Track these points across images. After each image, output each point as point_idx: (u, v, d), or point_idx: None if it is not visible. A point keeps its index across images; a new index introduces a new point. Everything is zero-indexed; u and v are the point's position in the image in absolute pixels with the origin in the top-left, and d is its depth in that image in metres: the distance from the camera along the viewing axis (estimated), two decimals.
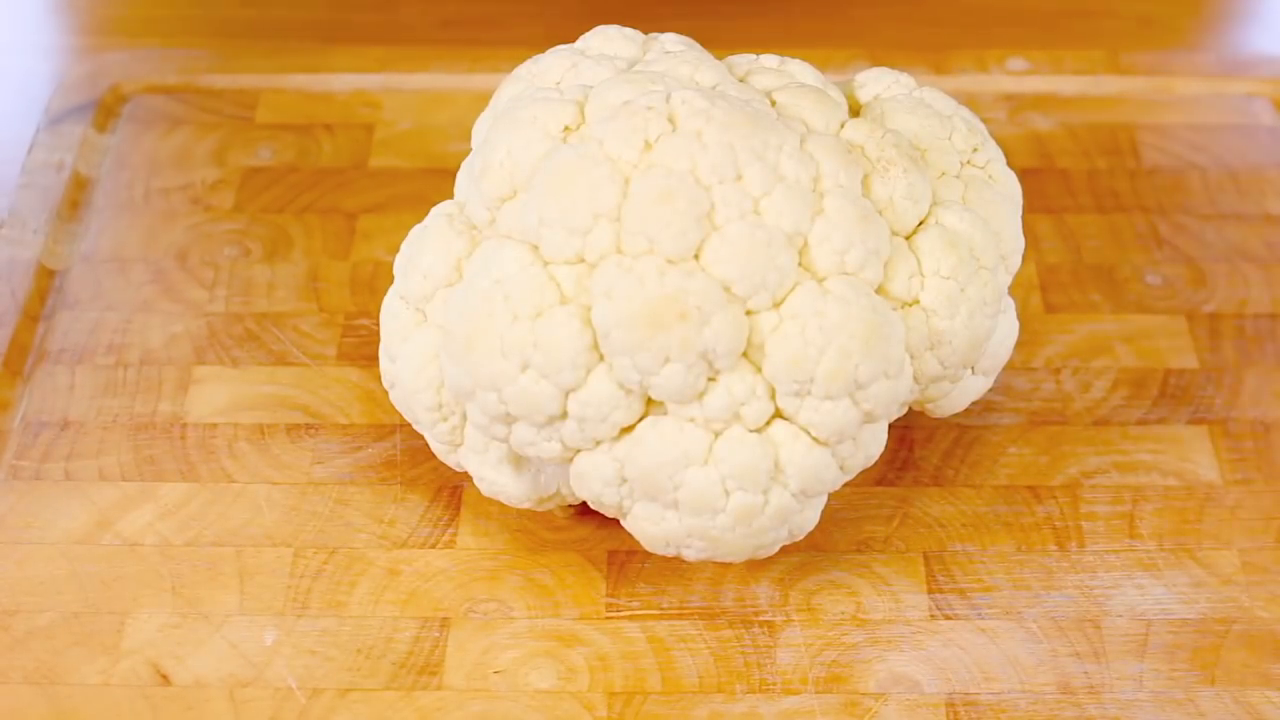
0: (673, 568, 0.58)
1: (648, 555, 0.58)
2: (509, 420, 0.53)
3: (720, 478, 0.51)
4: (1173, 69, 0.75)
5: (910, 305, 0.53)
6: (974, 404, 0.59)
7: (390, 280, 0.56)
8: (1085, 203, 0.71)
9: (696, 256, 0.51)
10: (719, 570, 0.58)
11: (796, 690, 0.55)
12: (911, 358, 0.53)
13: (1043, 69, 0.76)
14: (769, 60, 0.57)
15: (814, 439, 0.52)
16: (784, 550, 0.57)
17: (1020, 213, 0.57)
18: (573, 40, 0.59)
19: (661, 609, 0.57)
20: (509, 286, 0.52)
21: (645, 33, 0.59)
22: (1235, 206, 0.70)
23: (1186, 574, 0.58)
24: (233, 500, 0.60)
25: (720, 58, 0.58)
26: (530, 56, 0.58)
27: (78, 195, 0.71)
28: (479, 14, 0.80)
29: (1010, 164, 0.58)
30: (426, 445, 0.61)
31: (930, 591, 0.57)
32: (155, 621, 0.57)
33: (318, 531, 0.59)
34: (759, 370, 0.51)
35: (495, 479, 0.56)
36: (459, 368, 0.53)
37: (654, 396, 0.51)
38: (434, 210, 0.56)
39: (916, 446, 0.62)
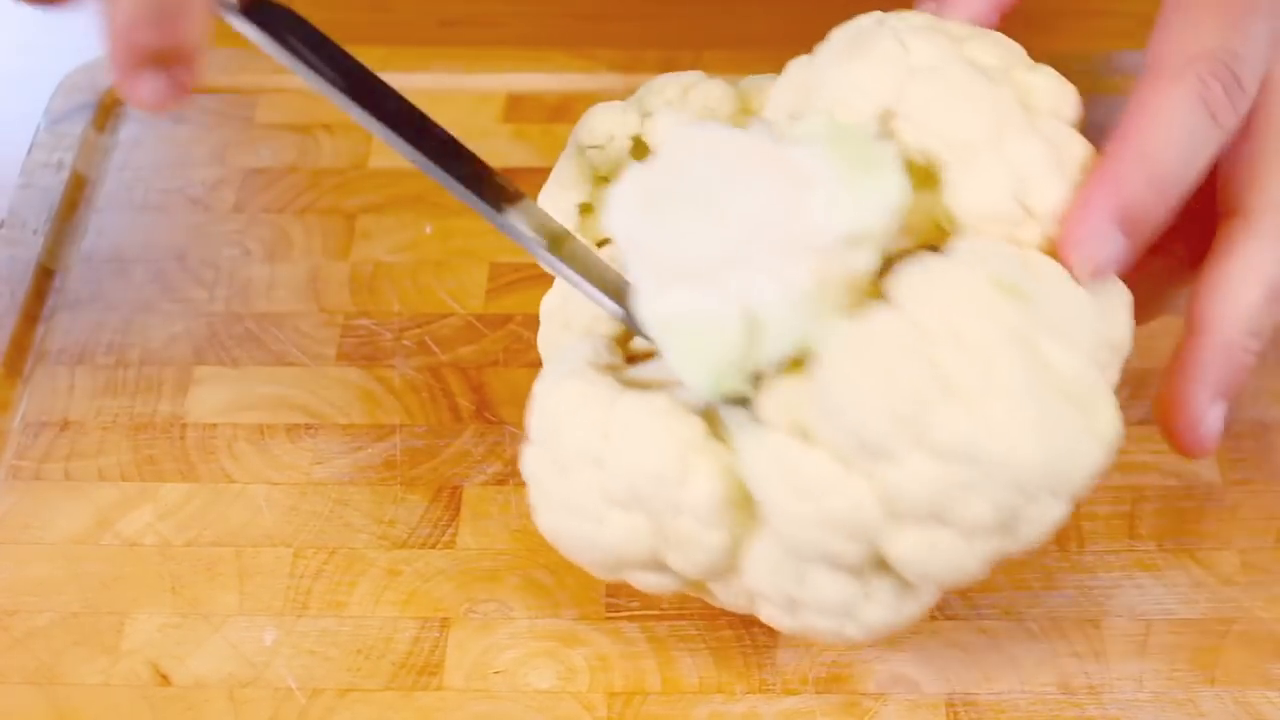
0: None
1: None
2: None
3: None
4: None
5: None
6: None
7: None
8: None
9: None
10: None
11: (796, 690, 0.55)
12: None
13: None
14: None
15: None
16: None
17: None
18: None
19: (661, 609, 0.57)
20: None
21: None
22: None
23: (1186, 574, 0.58)
24: (232, 500, 0.60)
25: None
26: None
27: (78, 195, 0.71)
28: (479, 14, 0.80)
29: None
30: (426, 445, 0.61)
31: None
32: (155, 621, 0.57)
33: (317, 532, 0.59)
34: None
35: None
36: None
37: None
38: None
39: None
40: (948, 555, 0.47)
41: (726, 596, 0.51)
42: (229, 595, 0.57)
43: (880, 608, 0.49)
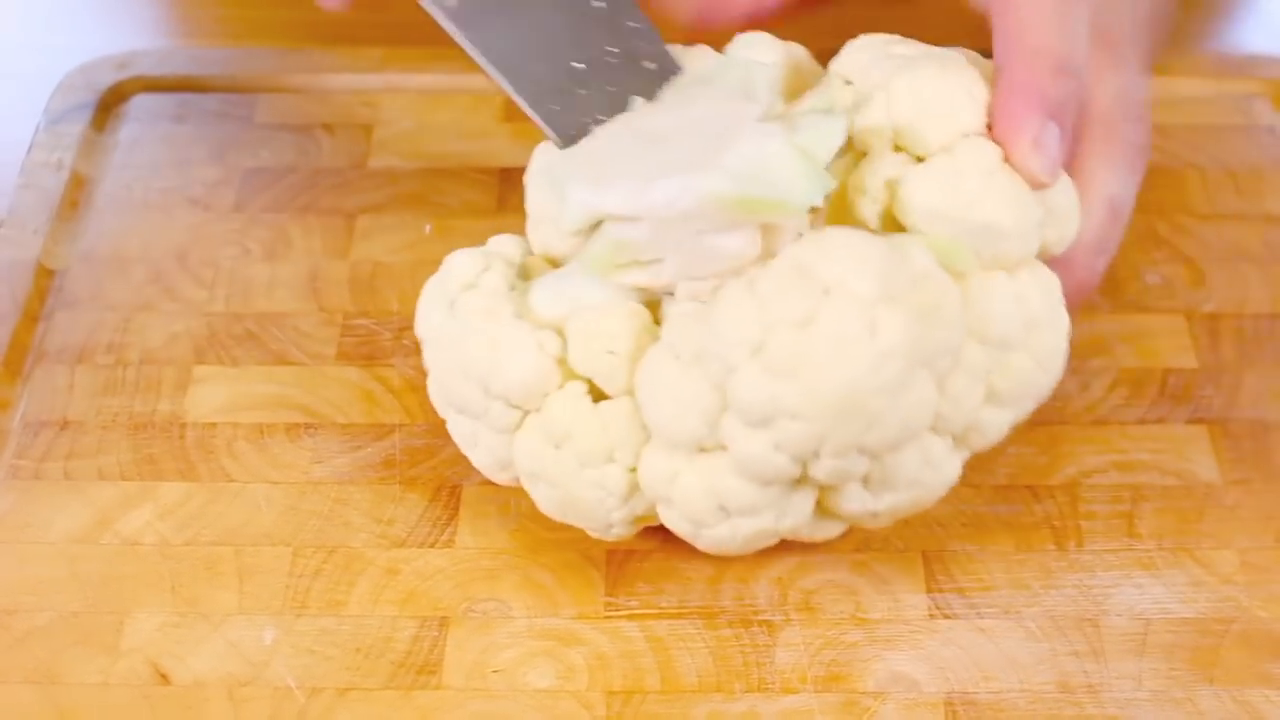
0: (672, 567, 0.58)
1: (647, 554, 0.58)
2: None
3: None
4: (1172, 68, 0.75)
5: None
6: None
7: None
8: None
9: None
10: (718, 569, 0.58)
11: (795, 689, 0.55)
12: None
13: None
14: None
15: None
16: (783, 549, 0.57)
17: None
18: None
19: (660, 608, 0.57)
20: None
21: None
22: (1234, 206, 0.70)
23: (1185, 573, 0.58)
24: (232, 500, 0.60)
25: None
26: None
27: (78, 195, 0.71)
28: None
29: None
30: (425, 445, 0.61)
31: (929, 591, 0.57)
32: (154, 621, 0.57)
33: (316, 531, 0.59)
34: None
35: None
36: None
37: None
38: None
39: None
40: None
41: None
42: (228, 594, 0.57)
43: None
